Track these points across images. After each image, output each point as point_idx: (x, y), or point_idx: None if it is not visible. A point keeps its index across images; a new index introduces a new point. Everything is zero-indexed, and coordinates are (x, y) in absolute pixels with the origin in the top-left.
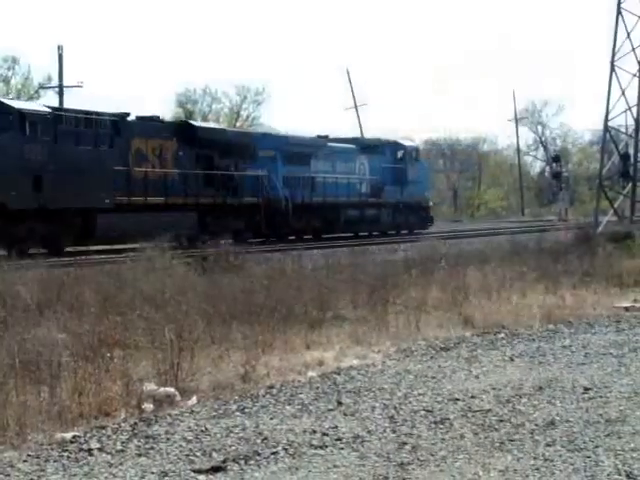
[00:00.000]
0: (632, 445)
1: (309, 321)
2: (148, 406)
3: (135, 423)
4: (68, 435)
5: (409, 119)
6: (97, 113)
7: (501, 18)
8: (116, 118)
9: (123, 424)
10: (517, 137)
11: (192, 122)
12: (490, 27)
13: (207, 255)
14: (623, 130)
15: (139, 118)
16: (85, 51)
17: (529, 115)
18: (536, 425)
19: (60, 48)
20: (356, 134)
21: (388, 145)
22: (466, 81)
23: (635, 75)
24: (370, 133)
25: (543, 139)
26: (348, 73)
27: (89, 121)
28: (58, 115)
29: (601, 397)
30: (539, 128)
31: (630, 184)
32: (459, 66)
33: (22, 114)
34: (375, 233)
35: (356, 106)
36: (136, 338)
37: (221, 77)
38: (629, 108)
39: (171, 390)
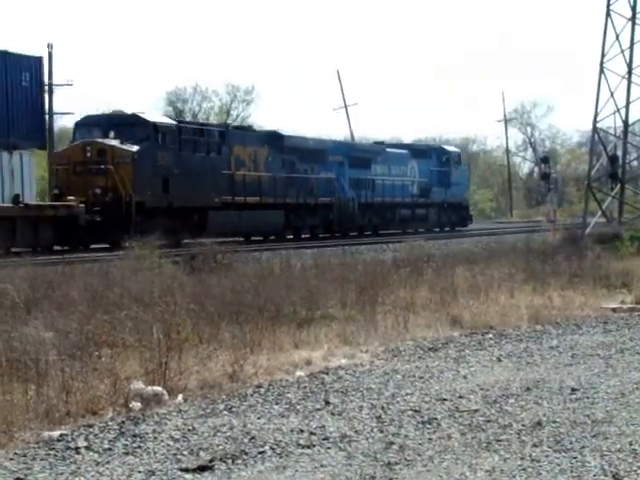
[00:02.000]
0: (618, 446)
1: (298, 320)
2: (136, 405)
3: (122, 422)
4: (55, 434)
5: (400, 119)
6: (208, 124)
7: (495, 19)
8: (222, 129)
9: (110, 423)
10: (506, 138)
11: (280, 132)
12: (481, 28)
13: (195, 254)
14: (612, 132)
15: (236, 127)
16: (75, 50)
17: (518, 116)
18: (523, 425)
19: (50, 46)
20: (347, 134)
21: (434, 150)
22: (457, 81)
23: (624, 77)
24: (360, 133)
25: (532, 140)
26: (338, 73)
27: (202, 131)
28: (180, 126)
29: (588, 398)
30: (528, 129)
31: (618, 185)
32: (451, 66)
33: (156, 126)
34: (421, 230)
35: (346, 106)
36: (124, 337)
37: (211, 76)
38: (618, 110)
39: (159, 389)
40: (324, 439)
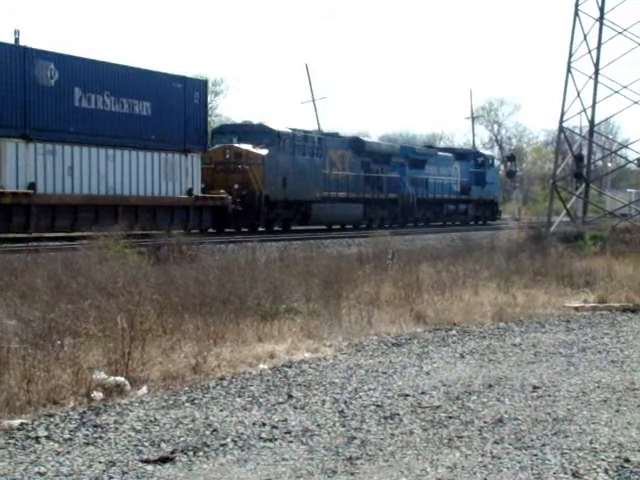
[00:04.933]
0: (579, 444)
1: (262, 313)
2: (97, 395)
3: (84, 412)
4: (15, 422)
5: (368, 113)
6: (310, 132)
7: (465, 16)
8: (320, 135)
9: (72, 412)
10: (473, 135)
11: (361, 138)
12: (451, 25)
13: (160, 245)
14: (578, 131)
15: (327, 134)
16: (48, 42)
17: (485, 113)
18: (485, 422)
19: (17, 32)
20: (315, 126)
21: (472, 154)
22: (425, 78)
23: (591, 77)
24: (328, 126)
25: (499, 138)
26: (307, 67)
27: (306, 138)
28: (294, 134)
29: (549, 396)
30: (495, 127)
31: (583, 185)
32: (420, 63)
33: (279, 134)
34: (457, 222)
35: (314, 99)
36: (87, 326)
37: (180, 67)
38: (584, 110)
39: (121, 379)
40: (286, 433)
